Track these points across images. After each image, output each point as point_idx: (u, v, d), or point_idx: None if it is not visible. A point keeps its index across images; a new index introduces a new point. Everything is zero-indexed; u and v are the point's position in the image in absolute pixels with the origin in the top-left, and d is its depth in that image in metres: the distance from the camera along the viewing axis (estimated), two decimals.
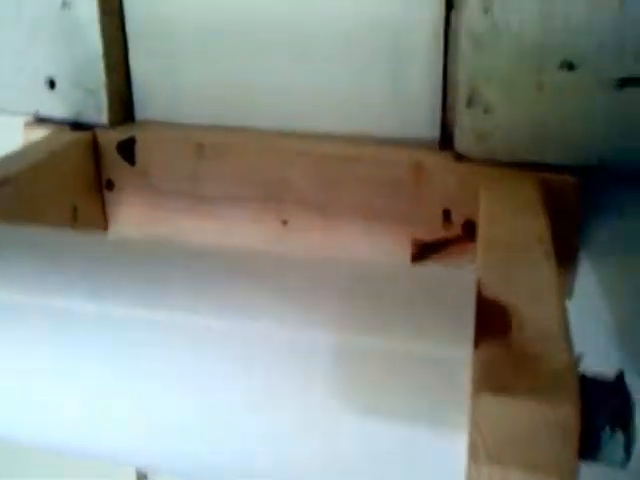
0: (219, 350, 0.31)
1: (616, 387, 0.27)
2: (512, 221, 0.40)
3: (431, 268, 0.36)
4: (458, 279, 0.33)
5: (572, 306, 0.50)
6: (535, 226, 0.39)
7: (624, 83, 0.44)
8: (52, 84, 0.62)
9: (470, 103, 0.48)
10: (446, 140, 0.53)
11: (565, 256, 0.49)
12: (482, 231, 0.39)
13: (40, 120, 0.64)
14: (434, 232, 0.52)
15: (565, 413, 0.25)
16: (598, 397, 0.27)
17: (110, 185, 0.61)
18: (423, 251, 0.53)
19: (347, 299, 0.32)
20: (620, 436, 0.27)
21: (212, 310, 0.32)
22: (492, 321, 0.30)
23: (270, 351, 0.30)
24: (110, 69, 0.60)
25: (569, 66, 0.45)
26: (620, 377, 0.27)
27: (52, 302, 0.34)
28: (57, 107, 0.62)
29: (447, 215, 0.51)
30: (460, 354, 0.28)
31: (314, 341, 0.30)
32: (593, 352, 0.50)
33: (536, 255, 0.36)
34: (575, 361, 0.28)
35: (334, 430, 0.29)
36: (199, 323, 0.32)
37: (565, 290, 0.33)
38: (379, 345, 0.29)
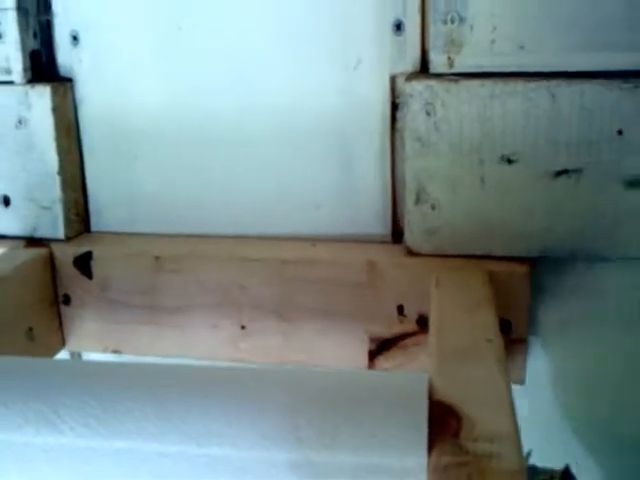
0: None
1: None
2: (461, 321, 0.41)
3: (383, 373, 0.36)
4: (410, 383, 0.33)
5: (525, 391, 0.51)
6: (484, 324, 0.40)
7: (559, 174, 0.46)
8: (7, 202, 0.62)
9: (418, 201, 0.49)
10: (398, 235, 0.54)
11: (516, 341, 0.49)
12: (433, 333, 0.40)
13: None
14: (390, 327, 0.52)
15: None
16: None
17: (67, 300, 0.61)
18: (381, 346, 0.53)
19: (296, 411, 0.32)
20: None
21: (167, 435, 0.32)
22: (444, 425, 0.30)
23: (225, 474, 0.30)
24: (66, 184, 0.60)
25: (508, 161, 0.47)
26: (565, 475, 0.27)
27: (10, 436, 0.33)
28: (12, 224, 0.62)
29: (401, 310, 0.51)
30: (415, 462, 0.28)
31: (266, 461, 0.30)
32: (546, 440, 0.51)
33: (486, 356, 0.36)
34: (524, 461, 0.28)
35: None
36: (156, 450, 0.32)
37: (511, 385, 0.34)
38: (331, 459, 0.29)
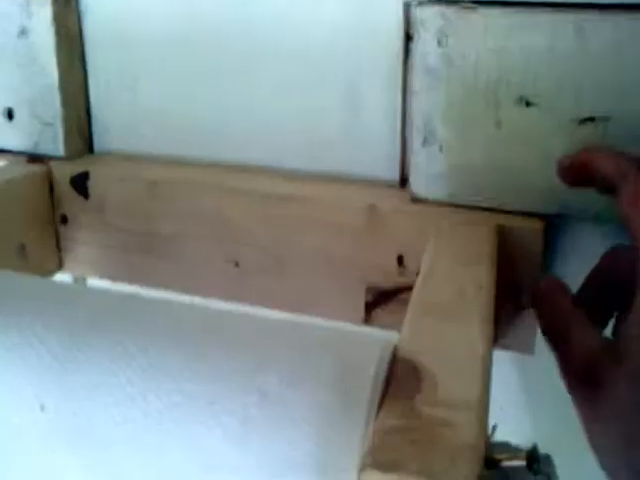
0: None
1: (528, 467, 0.24)
2: (453, 274, 0.37)
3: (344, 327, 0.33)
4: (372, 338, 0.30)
5: (534, 361, 0.47)
6: (476, 280, 0.36)
7: (584, 122, 0.41)
8: (10, 115, 0.60)
9: (425, 142, 0.45)
10: (406, 180, 0.50)
11: (526, 307, 0.45)
12: (418, 284, 0.36)
13: None
14: (389, 278, 0.49)
15: None
16: (505, 478, 0.23)
17: (64, 220, 0.59)
18: (378, 298, 0.49)
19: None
20: None
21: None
22: (401, 384, 0.27)
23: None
24: (67, 100, 0.58)
25: (527, 103, 0.42)
26: (531, 455, 0.24)
27: None
28: (15, 138, 0.61)
29: (401, 260, 0.47)
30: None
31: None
32: (554, 414, 0.47)
33: (469, 314, 0.33)
34: (486, 435, 0.24)
35: None
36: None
37: (491, 358, 0.30)
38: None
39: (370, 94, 0.50)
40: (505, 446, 0.25)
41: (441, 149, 0.45)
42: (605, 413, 0.34)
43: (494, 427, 0.25)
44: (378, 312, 0.50)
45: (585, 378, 0.35)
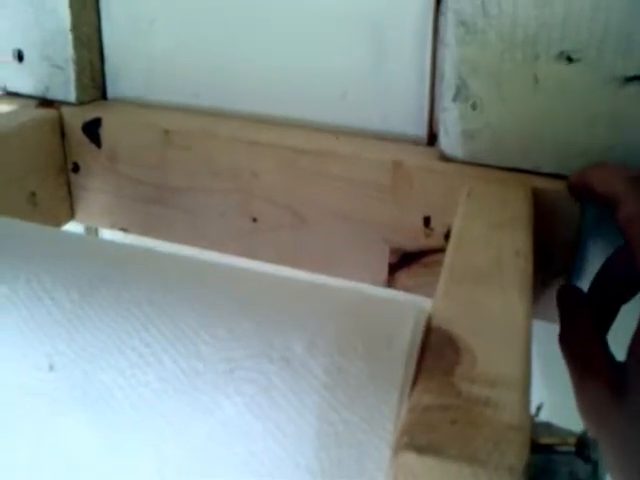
0: None
1: (577, 453, 0.22)
2: (488, 238, 0.34)
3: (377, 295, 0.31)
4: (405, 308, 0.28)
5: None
6: (514, 245, 0.33)
7: (630, 81, 0.38)
8: (20, 56, 0.58)
9: (456, 97, 0.43)
10: (433, 137, 0.48)
11: (558, 275, 0.43)
12: (450, 248, 0.34)
13: (9, 94, 0.60)
14: (414, 240, 0.46)
15: None
16: (551, 465, 0.21)
17: (76, 168, 0.57)
18: (402, 260, 0.47)
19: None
20: None
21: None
22: (438, 357, 0.25)
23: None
24: (80, 43, 0.55)
25: (568, 59, 0.39)
26: (582, 440, 0.22)
27: None
28: (25, 81, 0.58)
29: (428, 222, 0.45)
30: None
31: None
32: None
33: (508, 280, 0.30)
34: (530, 416, 0.22)
35: None
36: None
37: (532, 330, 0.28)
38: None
39: (397, 44, 0.47)
40: (547, 427, 0.24)
41: (474, 106, 0.42)
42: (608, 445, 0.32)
43: (539, 407, 0.23)
44: (401, 275, 0.48)
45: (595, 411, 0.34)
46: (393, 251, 0.47)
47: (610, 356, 0.35)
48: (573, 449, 0.22)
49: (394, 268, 0.48)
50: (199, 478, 0.26)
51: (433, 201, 0.44)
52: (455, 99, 0.42)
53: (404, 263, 0.47)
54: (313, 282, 0.31)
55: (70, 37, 0.54)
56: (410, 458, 0.21)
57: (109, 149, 0.55)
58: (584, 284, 0.43)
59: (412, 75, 0.47)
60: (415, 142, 0.48)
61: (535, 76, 0.40)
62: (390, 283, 0.48)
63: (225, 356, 0.27)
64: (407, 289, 0.47)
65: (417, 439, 0.21)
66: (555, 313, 0.40)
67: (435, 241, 0.45)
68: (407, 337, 0.25)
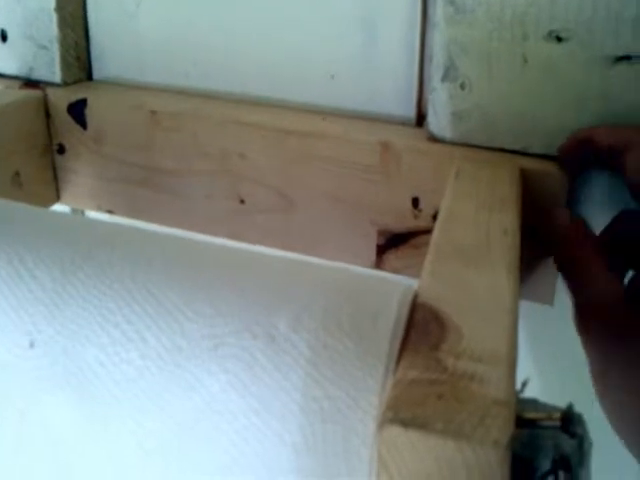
0: None
1: (562, 428, 0.22)
2: (476, 218, 0.34)
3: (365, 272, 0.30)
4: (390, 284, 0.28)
5: (553, 311, 0.44)
6: (501, 225, 0.33)
7: (619, 60, 0.38)
8: (4, 36, 0.57)
9: (445, 78, 0.42)
10: (422, 118, 0.47)
11: (545, 255, 0.43)
12: (437, 227, 0.34)
13: None
14: (402, 221, 0.46)
15: (488, 456, 0.20)
16: (536, 440, 0.21)
17: (61, 149, 0.56)
18: (390, 242, 0.47)
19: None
20: None
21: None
22: (423, 333, 0.25)
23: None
24: (64, 22, 0.55)
25: (557, 39, 0.39)
26: (567, 415, 0.22)
27: None
28: (8, 62, 0.57)
29: (416, 203, 0.45)
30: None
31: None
32: (572, 370, 0.45)
33: (495, 258, 0.30)
34: (516, 391, 0.22)
35: None
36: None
37: (518, 304, 0.27)
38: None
39: (386, 25, 0.47)
40: (533, 403, 0.23)
41: (462, 86, 0.42)
42: (621, 365, 0.32)
43: (524, 382, 0.23)
44: (389, 256, 0.47)
45: (603, 325, 0.33)
46: (381, 233, 0.47)
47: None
48: (558, 424, 0.21)
49: (382, 250, 0.48)
50: (182, 454, 0.26)
51: (422, 182, 0.44)
52: (444, 79, 0.42)
53: (392, 245, 0.47)
54: (299, 259, 0.31)
55: (54, 16, 0.54)
56: (395, 432, 0.20)
57: (95, 130, 0.54)
58: None
59: (401, 56, 0.46)
60: (403, 123, 0.48)
61: (524, 56, 0.40)
62: (379, 265, 0.48)
63: (209, 333, 0.26)
64: (396, 271, 0.47)
65: (402, 413, 0.21)
66: (542, 293, 0.39)
67: (424, 222, 0.45)
68: (393, 313, 0.25)
